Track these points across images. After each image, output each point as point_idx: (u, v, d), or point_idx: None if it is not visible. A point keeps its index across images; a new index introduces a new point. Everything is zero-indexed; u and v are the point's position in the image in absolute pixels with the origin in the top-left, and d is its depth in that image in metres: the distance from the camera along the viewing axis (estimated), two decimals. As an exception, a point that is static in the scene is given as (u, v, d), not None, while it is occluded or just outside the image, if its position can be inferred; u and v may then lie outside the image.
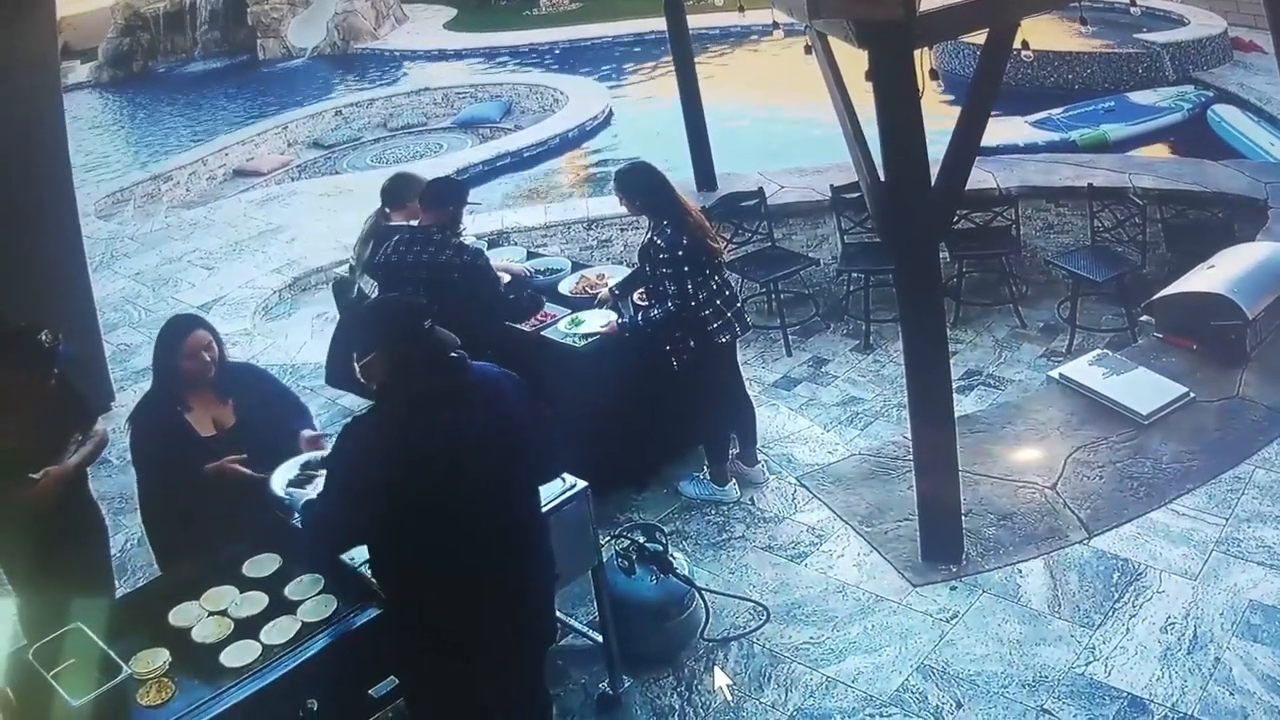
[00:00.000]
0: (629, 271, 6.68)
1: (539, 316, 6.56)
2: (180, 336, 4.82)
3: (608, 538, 5.29)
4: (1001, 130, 12.13)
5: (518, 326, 6.49)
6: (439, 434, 3.66)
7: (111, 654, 3.84)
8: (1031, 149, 11.85)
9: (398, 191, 6.68)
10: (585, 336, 6.26)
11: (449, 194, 6.14)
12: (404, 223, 6.52)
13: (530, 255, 7.67)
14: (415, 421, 3.67)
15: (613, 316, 6.34)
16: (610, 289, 6.56)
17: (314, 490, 4.22)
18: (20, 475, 4.61)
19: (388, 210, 6.71)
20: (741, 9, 7.94)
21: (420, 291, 5.87)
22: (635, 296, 6.48)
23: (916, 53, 4.77)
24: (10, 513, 4.69)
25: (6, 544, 4.89)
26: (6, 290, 7.29)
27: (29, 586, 4.97)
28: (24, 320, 4.86)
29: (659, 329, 6.03)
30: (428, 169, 9.26)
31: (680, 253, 5.82)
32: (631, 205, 6.14)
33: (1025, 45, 5.22)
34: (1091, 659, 4.88)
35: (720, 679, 5.07)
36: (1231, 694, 4.60)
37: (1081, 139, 12.52)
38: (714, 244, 6.10)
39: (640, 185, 6.06)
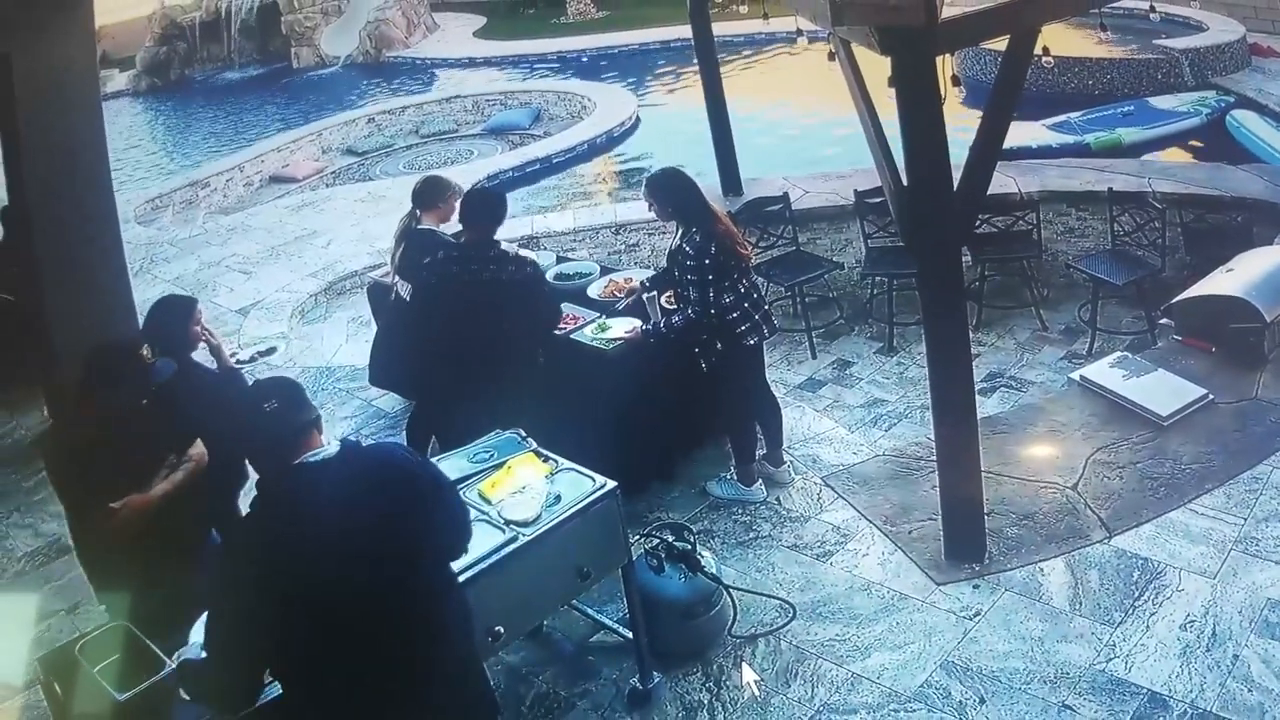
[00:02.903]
0: (659, 272, 6.78)
1: (568, 319, 6.66)
2: (192, 305, 5.27)
3: (637, 536, 5.35)
4: (1017, 133, 12.16)
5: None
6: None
7: (156, 649, 3.94)
8: (1045, 151, 11.89)
9: (428, 194, 6.78)
10: (612, 341, 6.37)
11: (496, 207, 6.17)
12: (433, 225, 6.65)
13: (559, 259, 7.78)
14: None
15: (637, 323, 6.43)
16: (642, 282, 6.68)
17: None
18: (107, 502, 4.52)
19: (418, 212, 6.83)
20: (766, 16, 8.02)
21: (475, 310, 5.93)
22: (663, 300, 6.59)
23: (938, 59, 4.81)
24: (95, 540, 4.70)
25: (97, 568, 4.89)
26: (49, 295, 7.48)
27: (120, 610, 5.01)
28: (122, 339, 4.88)
29: (680, 335, 6.12)
30: (459, 175, 9.39)
31: (706, 261, 5.88)
32: (662, 211, 6.18)
33: (1046, 51, 5.26)
34: (1112, 656, 4.91)
35: (748, 675, 5.13)
36: (1250, 690, 4.63)
37: (1096, 142, 12.52)
38: (742, 250, 6.15)
39: (671, 191, 6.11)
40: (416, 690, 3.44)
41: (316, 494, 3.35)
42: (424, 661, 3.47)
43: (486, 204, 6.21)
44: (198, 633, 3.83)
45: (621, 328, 6.46)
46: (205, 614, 3.53)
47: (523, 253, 6.21)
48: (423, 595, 3.49)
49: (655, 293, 6.64)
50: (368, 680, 3.38)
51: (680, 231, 6.13)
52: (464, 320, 5.95)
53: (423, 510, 3.51)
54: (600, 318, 6.65)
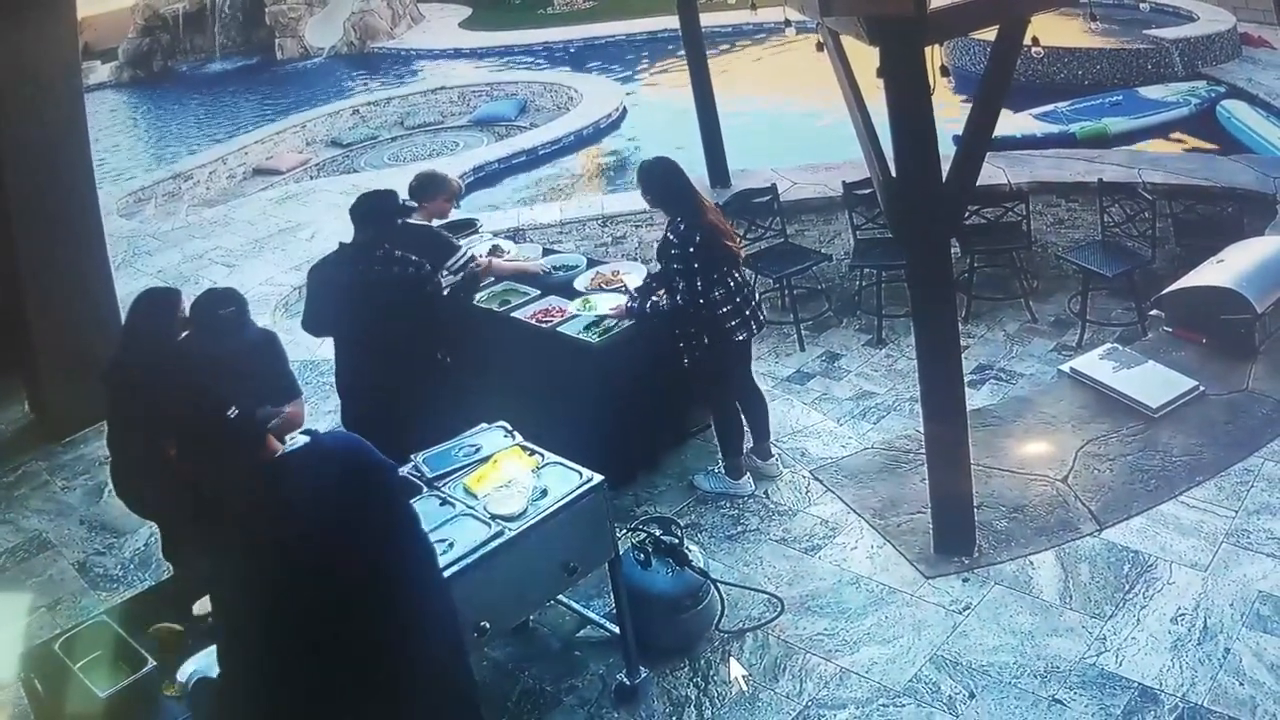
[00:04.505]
0: (647, 273, 6.75)
1: (554, 312, 6.64)
2: (178, 296, 5.32)
3: (624, 531, 5.32)
4: (1002, 122, 12.17)
5: (529, 321, 6.59)
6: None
7: (138, 646, 3.90)
8: (1029, 140, 11.91)
9: (421, 189, 6.78)
10: (598, 328, 6.35)
11: (382, 210, 6.03)
12: (425, 220, 6.65)
13: (546, 252, 7.75)
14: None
15: (622, 300, 6.44)
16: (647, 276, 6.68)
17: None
18: None
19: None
20: (753, 7, 7.94)
21: (364, 309, 5.80)
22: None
23: (927, 50, 4.79)
24: (161, 476, 4.61)
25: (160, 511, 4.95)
26: (31, 289, 7.42)
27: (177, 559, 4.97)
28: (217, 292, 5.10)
29: (665, 319, 6.09)
30: (445, 167, 9.34)
31: (692, 249, 5.86)
32: (649, 199, 6.20)
33: (1035, 41, 5.23)
34: (1102, 649, 4.90)
35: (736, 670, 5.11)
36: (1241, 684, 4.62)
37: (1081, 131, 12.55)
38: (731, 243, 6.13)
39: (657, 178, 6.11)
40: (402, 683, 3.43)
41: (295, 487, 3.37)
42: (410, 654, 3.46)
43: (373, 207, 6.06)
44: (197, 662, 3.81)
45: (607, 304, 6.46)
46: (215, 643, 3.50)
47: (410, 255, 6.08)
48: (407, 586, 3.49)
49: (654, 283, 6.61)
50: (352, 672, 3.37)
51: (668, 222, 6.11)
52: (354, 320, 5.85)
53: (391, 503, 3.56)
54: (585, 295, 6.67)
